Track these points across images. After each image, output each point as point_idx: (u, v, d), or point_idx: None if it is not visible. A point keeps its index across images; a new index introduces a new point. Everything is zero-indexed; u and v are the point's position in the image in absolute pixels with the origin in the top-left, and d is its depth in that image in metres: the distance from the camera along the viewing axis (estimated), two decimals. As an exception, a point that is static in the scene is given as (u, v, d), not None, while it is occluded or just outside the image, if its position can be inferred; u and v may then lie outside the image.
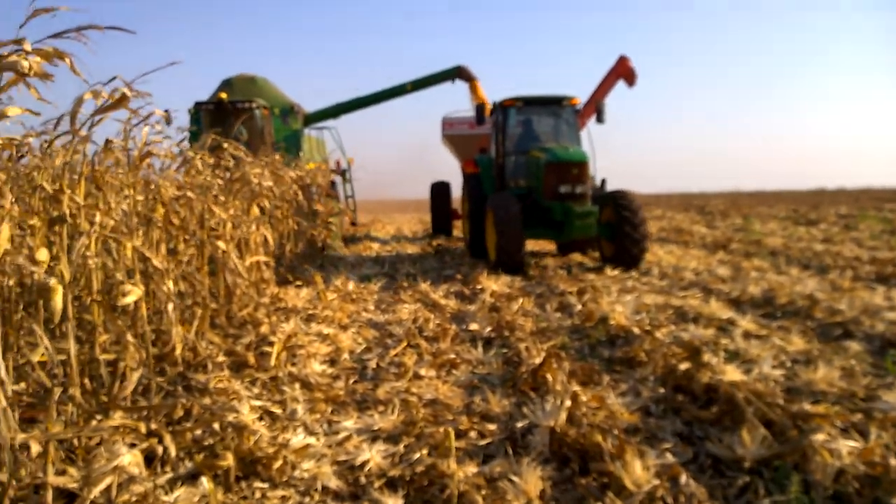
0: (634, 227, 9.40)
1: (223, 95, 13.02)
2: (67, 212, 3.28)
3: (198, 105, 12.72)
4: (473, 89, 16.26)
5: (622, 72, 16.30)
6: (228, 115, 12.17)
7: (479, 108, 11.36)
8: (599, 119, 11.32)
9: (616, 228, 9.58)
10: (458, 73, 16.24)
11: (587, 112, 15.00)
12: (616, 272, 9.34)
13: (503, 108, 11.05)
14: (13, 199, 2.70)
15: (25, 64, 2.06)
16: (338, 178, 15.77)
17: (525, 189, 10.53)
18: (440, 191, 16.54)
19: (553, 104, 11.11)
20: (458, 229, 17.89)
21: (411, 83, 16.09)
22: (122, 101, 2.84)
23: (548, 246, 13.46)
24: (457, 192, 15.50)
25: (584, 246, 11.78)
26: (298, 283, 8.18)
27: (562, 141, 10.94)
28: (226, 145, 6.11)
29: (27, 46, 2.06)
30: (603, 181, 11.03)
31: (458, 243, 14.85)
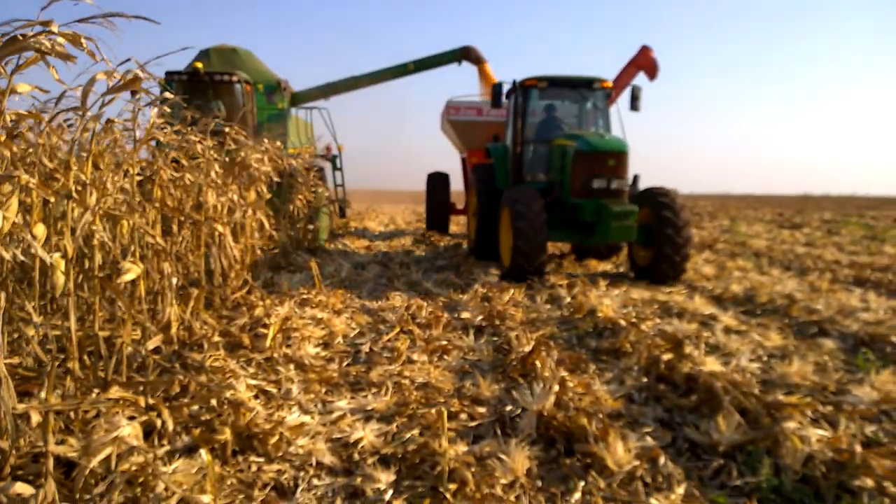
0: (678, 232, 7.94)
1: (198, 65, 11.43)
2: (73, 189, 3.35)
3: (169, 75, 11.01)
4: (482, 73, 14.88)
5: (643, 63, 14.86)
6: (205, 88, 10.94)
7: (498, 87, 9.50)
8: (634, 107, 9.61)
9: (655, 233, 8.09)
10: (464, 53, 14.76)
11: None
12: (603, 265, 9.38)
13: (523, 88, 9.39)
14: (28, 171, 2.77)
15: (47, 43, 2.14)
16: (327, 165, 14.39)
17: (545, 184, 9.09)
18: (438, 183, 15.16)
19: (582, 86, 9.47)
20: (456, 225, 17.02)
21: (413, 63, 14.72)
22: (133, 81, 2.92)
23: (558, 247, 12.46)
24: (455, 184, 14.98)
25: (610, 251, 10.29)
26: (291, 267, 8.27)
27: (591, 129, 9.48)
28: (227, 129, 6.17)
29: (54, 27, 2.14)
30: (636, 177, 9.43)
31: (456, 240, 13.88)
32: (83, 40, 2.36)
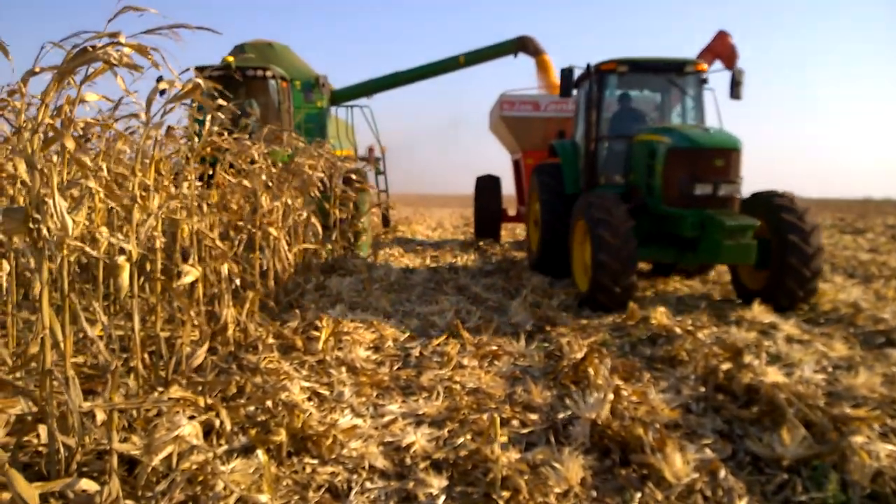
0: (805, 239, 6.30)
1: (230, 59, 10.47)
2: (137, 193, 3.47)
3: (198, 71, 10.54)
4: (541, 65, 13.37)
5: (721, 50, 12.33)
6: (237, 85, 9.79)
7: (567, 73, 7.92)
8: (735, 94, 7.77)
9: (774, 245, 6.46)
10: (521, 44, 13.36)
11: None
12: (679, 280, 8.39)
13: (599, 74, 7.83)
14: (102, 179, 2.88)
15: (115, 54, 2.22)
16: (369, 169, 13.33)
17: (622, 188, 7.59)
18: (488, 186, 13.61)
19: (670, 70, 7.79)
20: (505, 230, 15.79)
21: (464, 56, 13.43)
22: (194, 90, 3.00)
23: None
24: (506, 188, 13.73)
25: (703, 267, 8.43)
26: (342, 271, 8.37)
27: (684, 122, 7.93)
28: (285, 135, 6.29)
29: (122, 38, 2.22)
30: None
31: (508, 250, 12.49)
32: (149, 50, 2.44)
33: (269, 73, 9.96)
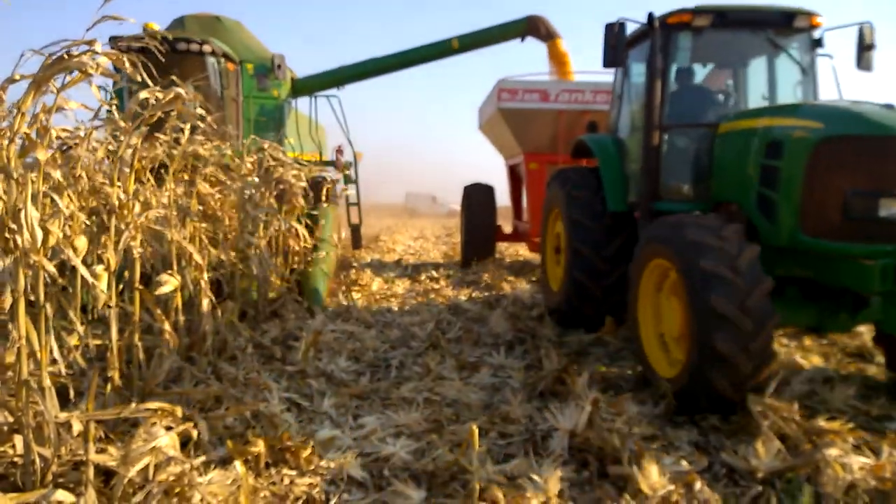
0: None
1: (152, 26, 8.01)
2: (116, 203, 3.45)
3: (112, 42, 7.23)
4: (554, 52, 11.08)
5: None
6: (167, 65, 7.15)
7: (617, 30, 5.27)
8: (864, 63, 5.22)
9: None
10: (529, 26, 11.04)
11: None
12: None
13: (667, 30, 5.20)
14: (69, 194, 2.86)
15: (92, 63, 2.22)
16: (336, 176, 10.88)
17: (700, 204, 5.00)
18: (478, 198, 10.85)
19: (774, 25, 5.25)
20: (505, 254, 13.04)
21: (458, 39, 11.04)
22: (176, 99, 3.00)
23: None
24: (500, 198, 11.27)
25: (845, 322, 4.41)
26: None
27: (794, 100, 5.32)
28: (265, 146, 6.12)
29: (97, 47, 2.22)
30: None
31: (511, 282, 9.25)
32: (132, 61, 2.44)
33: (206, 49, 8.03)
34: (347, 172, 10.89)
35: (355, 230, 10.46)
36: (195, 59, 7.95)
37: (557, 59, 11.03)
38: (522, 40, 11.27)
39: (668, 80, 5.27)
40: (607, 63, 5.40)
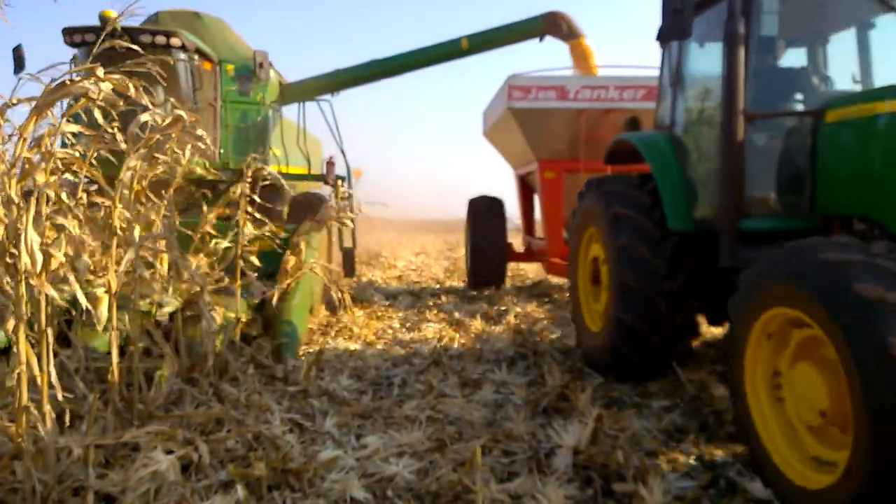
0: None
1: (109, 14, 6.61)
2: (118, 225, 3.46)
3: (68, 35, 6.76)
4: (578, 53, 9.87)
5: None
6: (125, 58, 5.85)
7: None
8: None
9: None
10: (549, 24, 9.86)
11: None
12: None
13: None
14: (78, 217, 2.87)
15: (94, 89, 2.24)
16: (327, 191, 9.85)
17: (799, 221, 3.94)
18: (487, 213, 9.65)
19: None
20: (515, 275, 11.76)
21: (468, 39, 9.96)
22: (176, 122, 3.02)
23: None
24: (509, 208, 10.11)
25: None
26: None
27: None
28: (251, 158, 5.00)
29: (100, 73, 2.24)
30: None
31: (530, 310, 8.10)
32: (135, 85, 2.46)
33: (175, 42, 6.95)
34: (341, 189, 9.21)
35: (348, 255, 8.93)
36: (162, 54, 6.48)
37: (582, 61, 9.83)
38: (541, 40, 10.08)
39: (751, 54, 3.97)
40: (668, 35, 4.17)
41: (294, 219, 7.21)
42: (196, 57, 7.49)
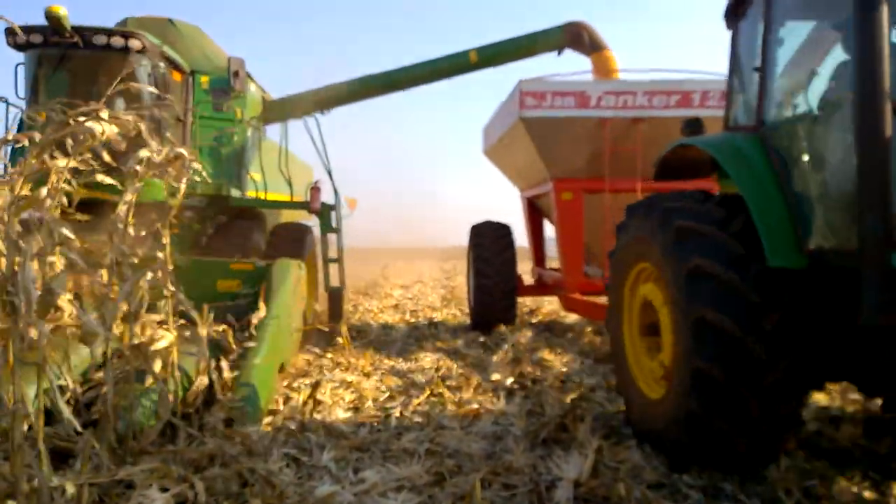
0: None
1: (57, 10, 5.84)
2: (114, 259, 3.45)
3: (10, 35, 6.10)
4: (601, 66, 8.85)
5: None
6: (79, 65, 6.14)
7: None
8: None
9: None
10: (570, 35, 8.94)
11: None
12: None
13: None
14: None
15: (99, 129, 2.25)
16: (312, 223, 8.66)
17: None
18: (493, 241, 8.37)
19: None
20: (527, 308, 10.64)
21: (477, 51, 9.04)
22: (177, 159, 3.03)
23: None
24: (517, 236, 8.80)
25: None
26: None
27: None
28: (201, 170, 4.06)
29: (104, 114, 2.25)
30: None
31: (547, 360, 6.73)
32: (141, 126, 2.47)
33: (134, 45, 6.10)
34: (328, 218, 8.15)
35: (335, 296, 7.81)
36: (120, 59, 6.10)
37: (606, 75, 8.80)
38: (559, 53, 9.05)
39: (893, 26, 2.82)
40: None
41: (274, 253, 6.72)
42: (162, 65, 6.72)
